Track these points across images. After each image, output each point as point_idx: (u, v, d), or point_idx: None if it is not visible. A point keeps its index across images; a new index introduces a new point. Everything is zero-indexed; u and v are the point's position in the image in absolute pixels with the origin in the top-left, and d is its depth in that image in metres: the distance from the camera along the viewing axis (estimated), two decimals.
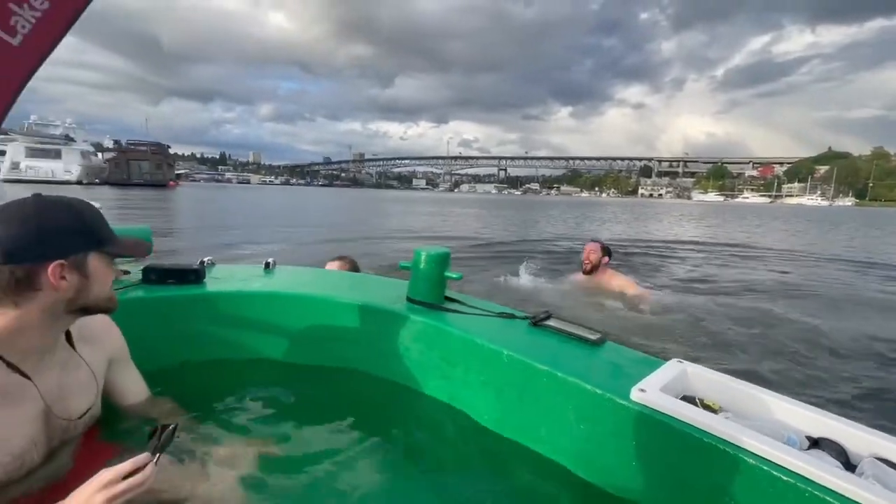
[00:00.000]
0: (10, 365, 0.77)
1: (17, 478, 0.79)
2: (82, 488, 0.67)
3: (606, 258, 3.73)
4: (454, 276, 1.51)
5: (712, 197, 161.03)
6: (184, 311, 1.48)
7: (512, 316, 1.46)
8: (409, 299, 1.53)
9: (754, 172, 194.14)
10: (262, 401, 1.31)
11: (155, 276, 1.50)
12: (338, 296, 1.56)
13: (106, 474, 0.67)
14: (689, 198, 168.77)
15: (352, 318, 1.51)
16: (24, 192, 0.83)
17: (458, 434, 1.26)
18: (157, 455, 0.74)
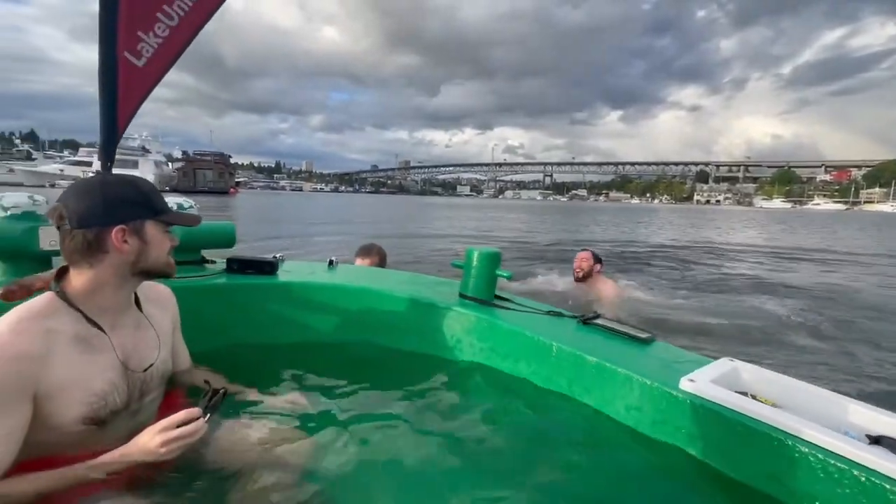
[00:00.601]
0: (89, 319, 0.92)
1: (104, 416, 0.92)
2: (145, 431, 0.80)
3: (598, 266, 3.81)
4: (505, 274, 1.58)
5: (778, 203, 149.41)
6: (259, 298, 1.65)
7: (560, 314, 1.51)
8: (461, 295, 1.62)
9: (827, 177, 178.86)
10: (318, 380, 1.42)
11: (236, 266, 1.69)
12: (395, 290, 1.68)
13: (162, 422, 0.80)
14: (750, 204, 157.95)
15: (407, 310, 1.62)
16: None
17: (502, 415, 1.31)
18: (208, 414, 0.85)
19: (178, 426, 0.81)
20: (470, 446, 1.11)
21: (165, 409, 1.05)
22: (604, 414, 1.16)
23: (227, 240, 1.75)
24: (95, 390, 0.91)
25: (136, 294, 1.04)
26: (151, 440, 0.80)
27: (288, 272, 1.79)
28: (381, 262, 2.77)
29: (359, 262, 2.68)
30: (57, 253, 1.42)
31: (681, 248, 10.73)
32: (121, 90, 1.56)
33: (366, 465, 1.02)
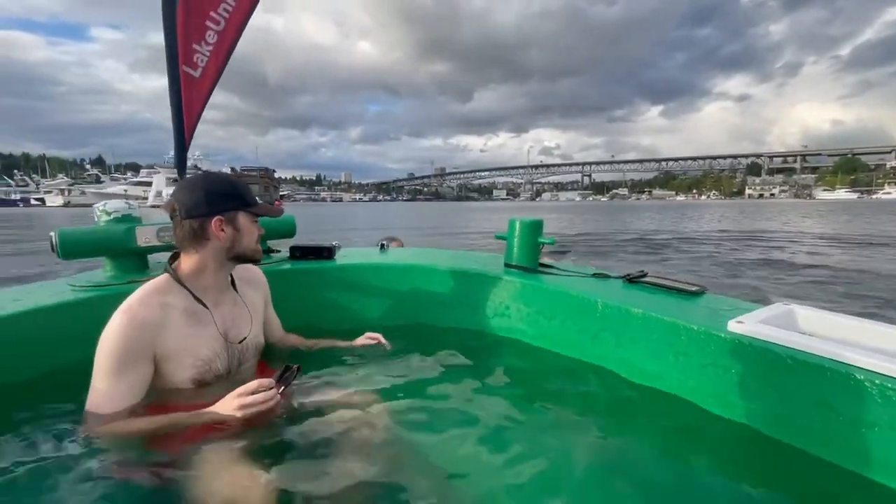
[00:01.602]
0: (195, 297, 1.08)
1: (208, 379, 1.07)
2: (228, 395, 0.93)
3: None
4: (548, 240, 1.63)
5: (842, 194, 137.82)
6: (320, 280, 1.79)
7: (605, 276, 1.54)
8: (506, 265, 1.68)
9: None
10: (375, 351, 1.51)
11: (298, 252, 1.85)
12: (443, 264, 1.77)
13: (240, 388, 0.92)
14: (809, 196, 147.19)
15: (456, 281, 1.71)
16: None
17: (551, 371, 1.35)
18: (283, 387, 0.95)
19: (252, 394, 0.93)
20: (522, 405, 1.15)
21: (259, 375, 1.17)
22: (651, 365, 1.18)
23: (289, 230, 1.91)
24: (201, 356, 1.06)
25: (231, 276, 1.19)
26: (231, 402, 0.93)
27: (344, 256, 1.93)
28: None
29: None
30: (150, 249, 1.61)
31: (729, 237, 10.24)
32: (184, 103, 1.74)
33: (428, 433, 1.06)
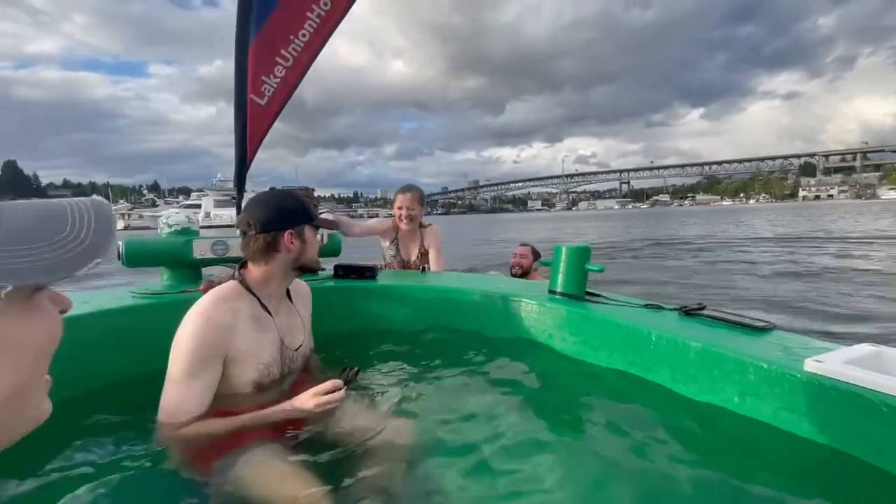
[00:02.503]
0: (262, 304, 1.15)
1: (266, 383, 1.12)
2: (302, 394, 1.01)
3: (536, 262, 3.45)
4: (595, 268, 1.57)
5: None
6: (362, 298, 1.81)
7: (659, 307, 1.46)
8: (550, 292, 1.64)
9: None
10: (411, 371, 1.49)
11: (342, 271, 1.89)
12: (483, 288, 1.75)
13: (314, 388, 1.01)
14: (873, 196, 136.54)
15: (496, 307, 1.68)
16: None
17: (600, 409, 1.29)
18: (347, 387, 1.04)
19: (325, 393, 1.00)
20: (568, 441, 1.11)
21: (298, 383, 1.22)
22: (713, 404, 1.10)
23: (335, 249, 1.95)
24: (263, 360, 1.12)
25: (287, 287, 1.26)
26: (308, 401, 1.00)
27: (386, 276, 1.95)
28: (423, 202, 2.52)
29: (399, 198, 2.45)
30: (205, 262, 1.70)
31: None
32: (249, 127, 1.87)
33: (461, 457, 1.05)
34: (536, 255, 3.51)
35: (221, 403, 1.04)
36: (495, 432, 1.13)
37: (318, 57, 1.94)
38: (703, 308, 1.38)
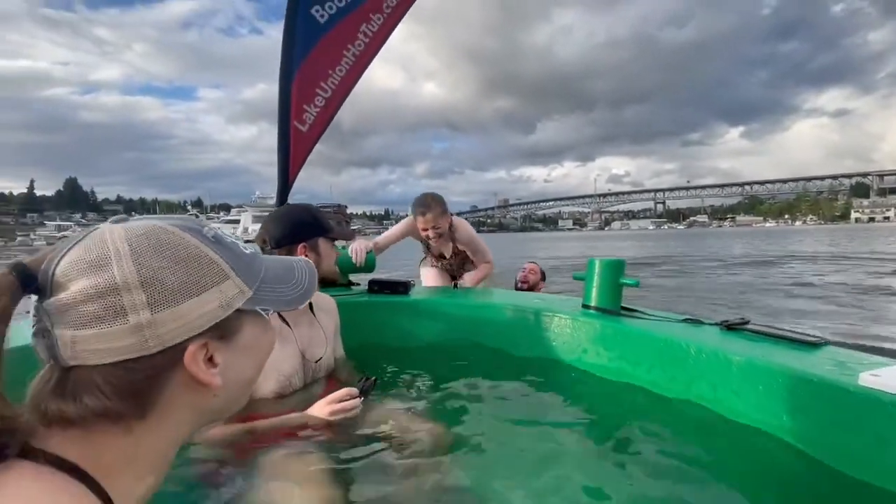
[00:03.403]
0: (281, 316, 1.18)
1: (286, 393, 1.16)
2: (318, 402, 1.04)
3: (542, 283, 3.63)
4: (630, 282, 1.56)
5: None
6: (394, 313, 1.85)
7: (698, 322, 1.42)
8: (584, 306, 1.62)
9: None
10: (438, 382, 1.49)
11: (376, 287, 1.93)
12: (514, 303, 1.75)
13: (329, 396, 1.04)
14: None
15: (528, 321, 1.68)
16: (252, 248, 1.26)
17: (641, 427, 1.25)
18: (363, 396, 1.06)
19: (341, 401, 1.02)
20: (605, 461, 1.08)
21: (325, 393, 1.25)
22: (760, 420, 1.06)
23: (369, 266, 2.02)
24: (284, 372, 1.16)
25: (311, 302, 1.28)
26: (323, 409, 1.02)
27: (418, 292, 1.98)
28: (444, 211, 2.18)
29: (421, 220, 2.15)
30: None
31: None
32: (291, 151, 2.00)
33: (489, 460, 1.07)
34: (543, 275, 3.72)
35: (246, 410, 1.07)
36: (520, 445, 1.13)
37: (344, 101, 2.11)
38: (746, 322, 1.33)
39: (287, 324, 1.19)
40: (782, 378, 1.01)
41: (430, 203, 2.13)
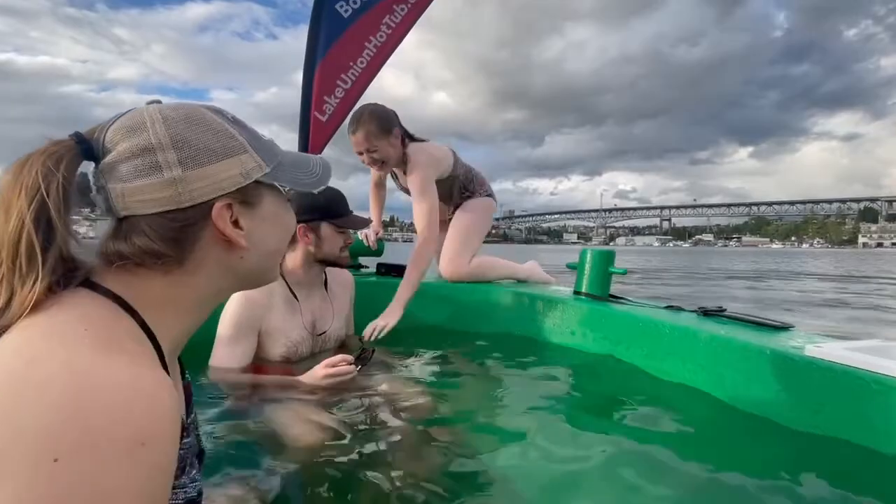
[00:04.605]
0: (290, 288, 1.31)
1: (294, 359, 1.29)
2: (316, 367, 1.13)
3: None
4: (619, 270, 1.68)
5: None
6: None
7: (679, 309, 1.54)
8: (575, 293, 1.75)
9: None
10: (437, 358, 1.59)
11: (384, 269, 2.08)
12: (513, 288, 1.88)
13: (326, 361, 1.13)
14: None
15: (524, 305, 1.81)
16: None
17: (619, 400, 1.36)
18: (359, 366, 1.15)
19: (335, 366, 1.13)
20: (589, 432, 1.13)
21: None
22: (722, 391, 1.17)
23: (379, 250, 2.15)
24: (291, 339, 1.29)
25: (326, 276, 1.42)
26: (318, 372, 1.13)
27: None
28: (385, 129, 1.71)
29: (352, 140, 1.73)
30: None
31: None
32: (311, 141, 2.14)
33: (481, 427, 1.15)
34: None
35: (258, 364, 1.25)
36: (509, 411, 1.23)
37: (360, 98, 2.24)
38: (723, 311, 1.45)
39: (295, 297, 1.32)
40: (740, 351, 1.13)
41: (360, 118, 1.67)
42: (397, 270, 2.06)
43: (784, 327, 1.27)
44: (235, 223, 0.46)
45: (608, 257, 1.72)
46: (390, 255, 2.21)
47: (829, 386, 0.96)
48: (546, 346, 1.71)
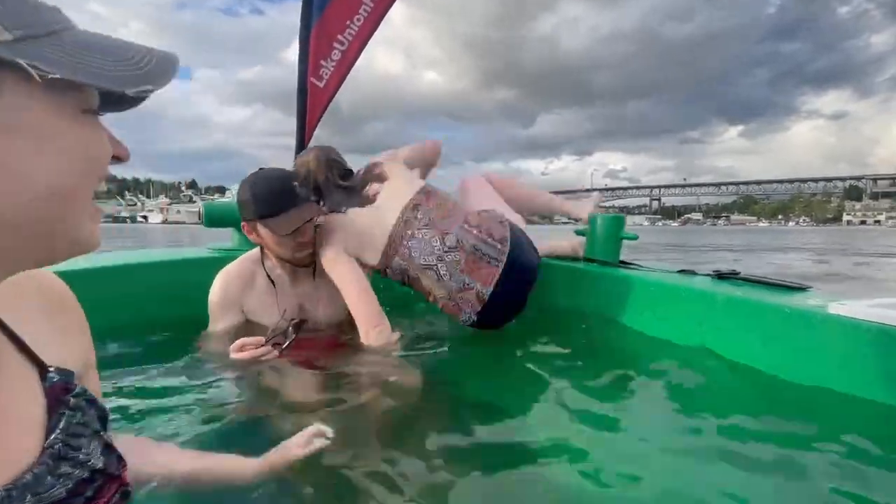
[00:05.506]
0: (267, 275, 1.32)
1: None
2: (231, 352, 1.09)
3: None
4: (629, 235, 1.65)
5: None
6: None
7: (692, 272, 1.52)
8: (585, 259, 1.71)
9: None
10: (444, 333, 1.57)
11: None
12: None
13: (233, 344, 1.08)
14: None
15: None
16: None
17: (634, 366, 1.34)
18: (277, 345, 1.09)
19: (240, 350, 1.07)
20: (594, 388, 1.14)
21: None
22: (738, 352, 1.15)
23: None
24: (273, 321, 1.23)
25: (316, 262, 1.34)
26: (234, 355, 1.07)
27: None
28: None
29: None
30: None
31: None
32: (308, 109, 2.05)
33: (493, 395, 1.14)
34: None
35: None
36: (517, 378, 1.21)
37: (357, 65, 2.12)
38: (737, 273, 1.43)
39: (272, 281, 1.31)
40: (760, 311, 1.11)
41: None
42: None
43: (802, 288, 1.25)
44: None
45: (619, 223, 1.68)
46: None
47: (857, 343, 0.95)
48: (561, 312, 1.67)
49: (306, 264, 1.34)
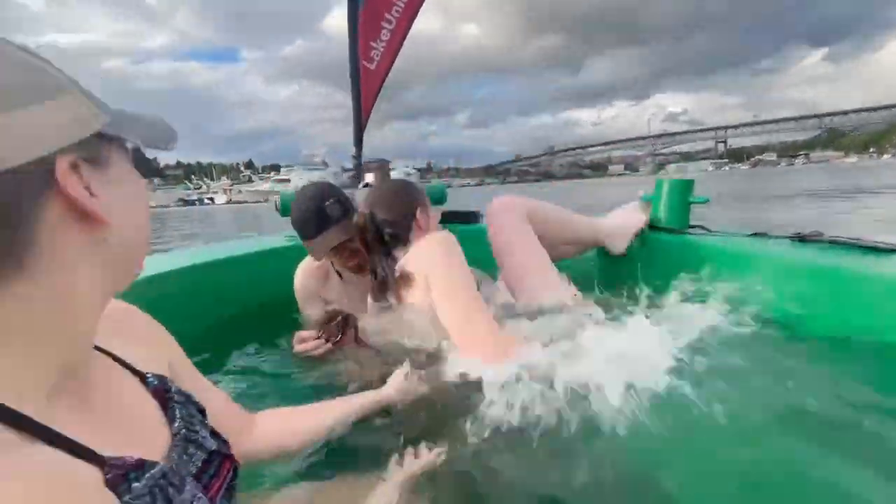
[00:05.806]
0: (337, 271, 1.41)
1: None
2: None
3: None
4: (700, 199, 1.59)
5: None
6: (465, 240, 1.99)
7: (768, 236, 1.45)
8: (651, 227, 1.68)
9: None
10: None
11: (449, 216, 2.12)
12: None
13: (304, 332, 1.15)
14: None
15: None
16: None
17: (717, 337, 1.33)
18: (329, 337, 1.11)
19: (302, 342, 1.14)
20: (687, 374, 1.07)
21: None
22: (842, 321, 1.09)
23: (440, 197, 2.16)
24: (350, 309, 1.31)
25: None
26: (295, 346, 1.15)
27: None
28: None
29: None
30: None
31: None
32: (362, 91, 2.09)
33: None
34: None
35: None
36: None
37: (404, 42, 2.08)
38: (820, 235, 1.34)
39: (339, 275, 1.41)
40: (845, 279, 1.05)
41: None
42: (461, 217, 2.07)
43: (893, 249, 1.17)
44: (87, 189, 0.34)
45: (687, 187, 1.62)
46: (454, 203, 2.20)
47: None
48: (624, 286, 1.67)
49: (358, 273, 1.37)
